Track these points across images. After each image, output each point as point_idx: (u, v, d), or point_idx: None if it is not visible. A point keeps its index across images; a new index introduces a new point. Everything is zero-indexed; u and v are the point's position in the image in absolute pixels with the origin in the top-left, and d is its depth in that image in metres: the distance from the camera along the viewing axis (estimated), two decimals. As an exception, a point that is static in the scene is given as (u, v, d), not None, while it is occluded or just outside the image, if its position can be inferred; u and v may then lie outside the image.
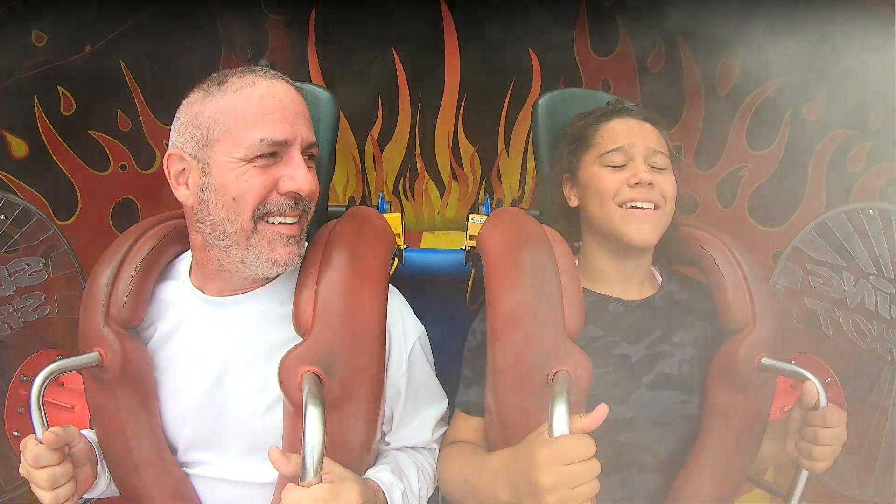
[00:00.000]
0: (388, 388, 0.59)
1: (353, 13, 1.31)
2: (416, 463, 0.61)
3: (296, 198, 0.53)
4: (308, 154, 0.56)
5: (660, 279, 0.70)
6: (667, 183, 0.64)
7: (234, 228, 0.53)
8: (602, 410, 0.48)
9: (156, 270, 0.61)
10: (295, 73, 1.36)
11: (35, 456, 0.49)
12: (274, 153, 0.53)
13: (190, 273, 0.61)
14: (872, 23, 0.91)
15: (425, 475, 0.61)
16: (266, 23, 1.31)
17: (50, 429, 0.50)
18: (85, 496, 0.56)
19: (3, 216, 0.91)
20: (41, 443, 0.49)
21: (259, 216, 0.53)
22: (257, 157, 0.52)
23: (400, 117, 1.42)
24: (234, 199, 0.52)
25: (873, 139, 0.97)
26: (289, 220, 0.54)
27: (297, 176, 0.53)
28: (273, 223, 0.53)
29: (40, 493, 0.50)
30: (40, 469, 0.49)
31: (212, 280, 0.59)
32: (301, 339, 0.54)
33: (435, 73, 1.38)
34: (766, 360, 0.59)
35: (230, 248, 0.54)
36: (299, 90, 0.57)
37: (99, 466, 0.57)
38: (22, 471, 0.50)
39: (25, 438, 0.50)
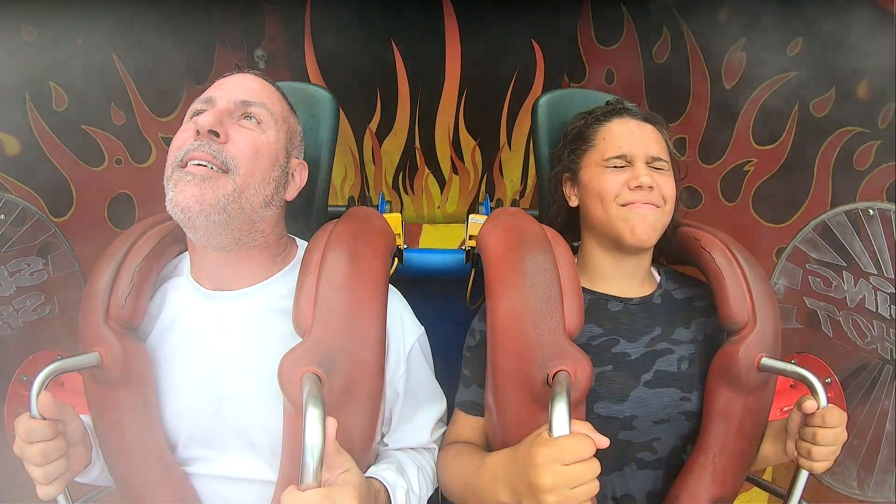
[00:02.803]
0: (387, 389, 0.59)
1: (350, 2, 1.28)
2: (415, 462, 0.61)
3: (201, 140, 0.53)
4: (243, 113, 0.57)
5: (658, 278, 0.70)
6: (666, 185, 0.64)
7: (167, 176, 0.54)
8: (604, 442, 0.48)
9: (156, 270, 0.60)
10: (291, 64, 1.34)
11: (27, 430, 0.47)
12: (203, 112, 0.56)
13: (191, 269, 0.60)
14: (883, 19, 0.88)
15: (425, 475, 0.62)
16: (262, 13, 1.28)
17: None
18: (77, 479, 0.56)
19: (2, 216, 0.90)
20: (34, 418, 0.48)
21: (176, 164, 0.53)
22: (191, 116, 0.57)
23: (399, 110, 1.40)
24: (170, 150, 0.55)
25: (882, 137, 0.95)
26: (197, 161, 0.53)
27: (203, 114, 0.54)
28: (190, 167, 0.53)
29: (32, 470, 0.49)
30: (33, 444, 0.48)
31: (206, 276, 0.58)
32: (300, 338, 0.53)
33: (435, 65, 1.35)
34: (765, 360, 0.59)
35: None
36: (270, 81, 0.60)
37: (94, 452, 0.57)
38: (16, 449, 0.49)
39: (18, 417, 0.49)
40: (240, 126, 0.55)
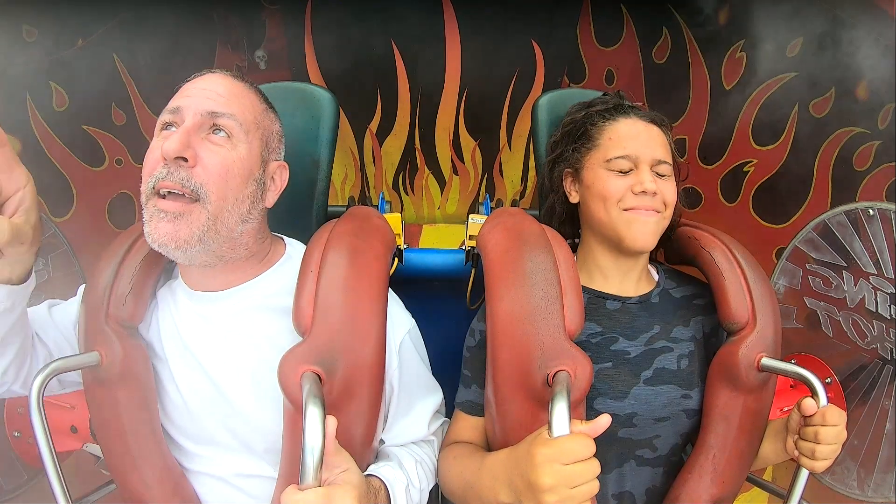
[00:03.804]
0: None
1: (350, 3, 1.28)
2: (414, 456, 0.61)
3: (169, 166, 0.51)
4: (213, 126, 0.54)
5: (657, 277, 0.70)
6: (669, 190, 0.64)
7: (143, 201, 0.53)
8: (604, 420, 0.48)
9: (156, 269, 0.60)
10: (291, 64, 1.34)
11: None
12: (171, 123, 0.54)
13: (181, 273, 0.61)
14: (882, 19, 0.89)
15: (424, 467, 0.61)
16: (262, 13, 1.28)
17: None
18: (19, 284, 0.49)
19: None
20: None
21: (150, 190, 0.52)
22: (160, 128, 0.54)
23: (399, 110, 1.40)
24: (143, 171, 0.53)
25: (881, 138, 0.95)
26: (167, 190, 0.52)
27: (170, 139, 0.51)
28: (161, 196, 0.52)
29: None
30: None
31: (191, 275, 0.59)
32: (290, 338, 0.53)
33: (435, 65, 1.36)
34: (765, 360, 0.59)
35: None
36: (241, 80, 0.58)
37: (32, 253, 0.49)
38: None
39: None
40: (209, 143, 0.53)
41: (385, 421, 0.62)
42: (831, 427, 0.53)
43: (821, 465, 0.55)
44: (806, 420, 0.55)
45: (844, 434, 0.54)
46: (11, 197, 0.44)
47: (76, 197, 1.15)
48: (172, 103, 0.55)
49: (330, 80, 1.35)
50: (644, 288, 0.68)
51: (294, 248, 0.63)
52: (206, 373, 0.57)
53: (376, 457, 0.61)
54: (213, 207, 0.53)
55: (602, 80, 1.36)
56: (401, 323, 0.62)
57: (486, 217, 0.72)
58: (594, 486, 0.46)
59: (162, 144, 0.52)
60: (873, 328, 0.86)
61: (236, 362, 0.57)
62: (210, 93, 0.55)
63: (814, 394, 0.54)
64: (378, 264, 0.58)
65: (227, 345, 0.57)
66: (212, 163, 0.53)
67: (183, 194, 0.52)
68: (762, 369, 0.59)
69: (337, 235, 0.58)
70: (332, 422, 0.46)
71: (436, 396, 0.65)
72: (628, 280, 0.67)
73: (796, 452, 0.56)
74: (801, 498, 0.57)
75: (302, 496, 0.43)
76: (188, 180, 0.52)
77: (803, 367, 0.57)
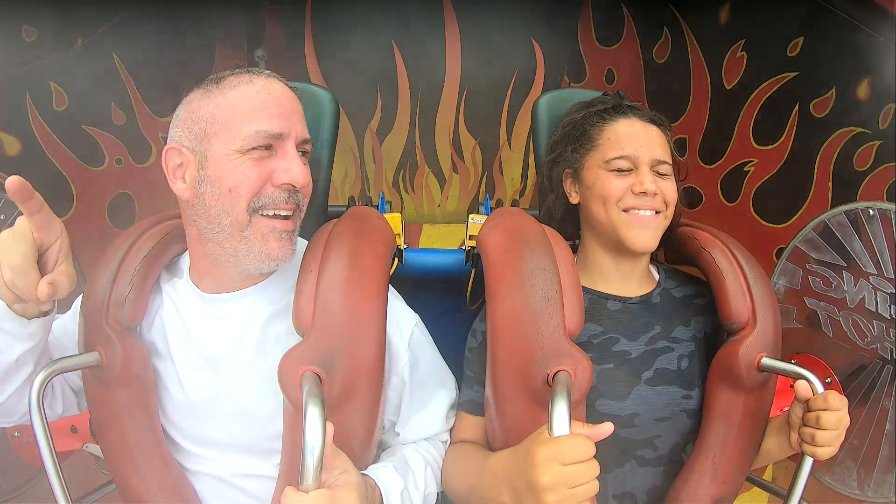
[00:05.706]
0: (393, 378, 0.59)
1: (350, 2, 1.28)
2: (425, 458, 0.61)
3: (290, 191, 0.55)
4: (302, 150, 0.57)
5: (657, 277, 0.70)
6: (669, 189, 0.64)
7: (229, 220, 0.54)
8: (607, 427, 0.48)
9: (156, 270, 0.60)
10: (291, 64, 1.34)
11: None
12: (269, 146, 0.54)
13: (190, 270, 0.61)
14: (883, 19, 0.88)
15: (435, 471, 0.61)
16: (262, 13, 1.28)
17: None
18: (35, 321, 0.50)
19: (2, 216, 0.90)
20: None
21: (254, 208, 0.54)
22: (252, 149, 0.53)
23: (399, 109, 1.41)
24: (229, 190, 0.53)
25: (882, 138, 0.95)
26: (283, 212, 0.55)
27: (292, 168, 0.54)
28: (267, 216, 0.54)
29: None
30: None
31: (207, 276, 0.59)
32: (299, 338, 0.53)
33: (435, 64, 1.36)
34: (765, 360, 0.59)
35: (224, 240, 0.55)
36: (294, 89, 0.58)
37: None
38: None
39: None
40: (300, 161, 0.56)
41: (397, 413, 0.62)
42: (833, 412, 0.52)
43: (822, 452, 0.54)
44: (808, 406, 0.54)
45: (847, 420, 0.54)
46: (51, 246, 0.49)
47: (76, 197, 1.15)
48: (271, 125, 0.53)
49: (330, 79, 1.35)
50: (645, 288, 0.68)
51: (301, 248, 0.63)
52: (214, 373, 0.57)
53: (384, 452, 0.62)
54: (300, 218, 0.58)
55: (602, 79, 1.36)
56: (406, 318, 0.62)
57: (486, 217, 0.72)
58: (594, 487, 0.46)
59: (264, 169, 0.53)
60: (873, 328, 0.86)
61: (246, 363, 0.57)
62: (295, 111, 0.56)
63: (814, 394, 0.54)
64: (378, 264, 0.58)
65: (238, 346, 0.58)
66: (306, 181, 0.56)
67: (291, 213, 0.56)
68: (762, 369, 0.59)
69: (337, 236, 0.58)
70: (328, 427, 0.46)
71: (451, 389, 0.65)
72: (629, 281, 0.67)
73: (800, 441, 0.55)
74: (801, 498, 0.57)
75: (306, 498, 0.43)
76: (298, 199, 0.56)
77: (803, 367, 0.57)
